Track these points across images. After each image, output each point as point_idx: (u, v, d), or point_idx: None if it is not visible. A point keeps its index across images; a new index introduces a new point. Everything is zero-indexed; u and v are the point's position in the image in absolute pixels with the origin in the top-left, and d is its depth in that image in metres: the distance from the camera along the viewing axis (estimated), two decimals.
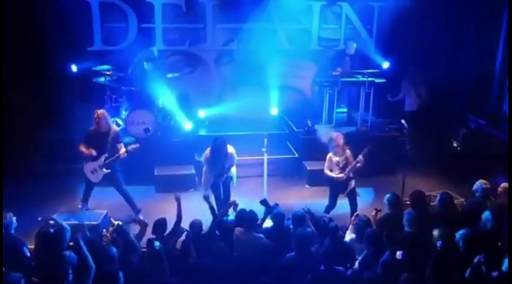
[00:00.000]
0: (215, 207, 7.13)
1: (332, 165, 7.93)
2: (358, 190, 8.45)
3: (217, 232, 6.54)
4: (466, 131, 10.86)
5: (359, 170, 7.85)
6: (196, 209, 7.39)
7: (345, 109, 11.09)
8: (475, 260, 5.35)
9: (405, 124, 8.41)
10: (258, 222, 6.59)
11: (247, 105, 10.43)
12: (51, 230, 5.72)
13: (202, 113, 10.64)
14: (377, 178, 9.42)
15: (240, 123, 10.49)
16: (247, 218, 6.34)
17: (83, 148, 7.82)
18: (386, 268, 5.54)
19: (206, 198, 6.94)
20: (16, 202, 6.79)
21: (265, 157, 8.54)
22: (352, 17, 11.63)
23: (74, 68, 10.27)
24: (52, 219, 6.11)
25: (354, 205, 7.97)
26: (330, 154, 7.98)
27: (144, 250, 5.94)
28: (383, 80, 10.36)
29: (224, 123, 10.47)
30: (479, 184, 6.96)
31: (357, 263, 5.86)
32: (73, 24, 10.07)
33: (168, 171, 9.52)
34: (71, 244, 5.40)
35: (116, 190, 8.09)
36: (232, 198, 7.53)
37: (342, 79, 10.28)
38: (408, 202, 7.08)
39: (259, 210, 6.77)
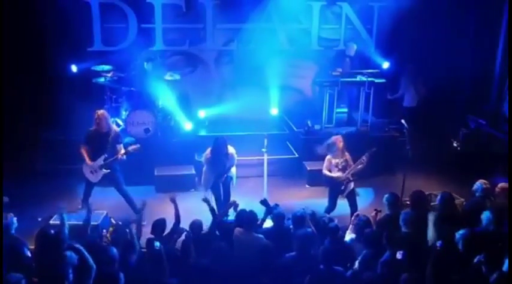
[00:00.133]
0: (215, 207, 7.13)
1: (331, 167, 7.94)
2: (358, 190, 8.47)
3: (217, 232, 6.54)
4: (466, 131, 10.86)
5: (359, 172, 7.86)
6: (196, 209, 7.38)
7: (345, 110, 11.09)
8: (475, 260, 5.35)
9: (405, 124, 8.41)
10: (258, 222, 6.59)
11: (247, 105, 10.43)
12: (51, 230, 5.74)
13: (202, 113, 10.64)
14: (377, 178, 9.42)
15: (240, 123, 10.49)
16: (247, 219, 6.34)
17: (83, 151, 7.82)
18: (386, 268, 5.54)
19: (206, 201, 6.93)
20: (16, 202, 6.78)
21: (265, 157, 8.55)
22: (352, 17, 11.62)
23: (74, 68, 10.29)
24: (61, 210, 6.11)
25: (353, 206, 7.97)
26: (328, 156, 7.99)
27: (144, 250, 5.95)
28: (383, 80, 10.37)
29: (224, 123, 10.47)
30: (479, 184, 6.96)
31: (356, 263, 5.86)
32: (73, 24, 10.06)
33: (168, 171, 9.52)
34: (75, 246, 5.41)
35: (116, 190, 8.09)
36: (232, 198, 7.54)
37: (342, 79, 10.28)
38: (408, 202, 7.09)
39: (260, 210, 6.77)
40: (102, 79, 9.90)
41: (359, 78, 10.29)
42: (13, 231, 5.96)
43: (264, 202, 6.95)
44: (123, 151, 7.88)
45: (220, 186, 7.98)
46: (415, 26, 11.22)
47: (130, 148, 7.94)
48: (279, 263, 5.86)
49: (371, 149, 7.78)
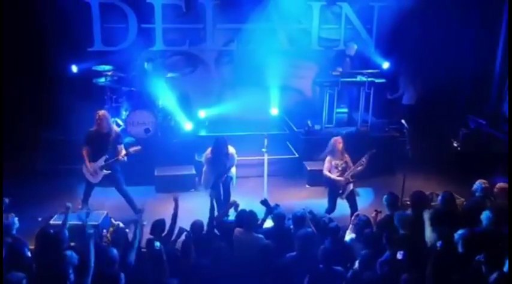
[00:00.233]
0: (215, 206, 7.13)
1: (331, 168, 7.95)
2: (358, 190, 8.47)
3: (217, 232, 6.54)
4: (466, 131, 10.86)
5: (360, 173, 7.86)
6: (196, 209, 7.40)
7: (345, 110, 11.09)
8: (475, 260, 5.36)
9: (405, 125, 8.41)
10: (259, 222, 6.60)
11: (248, 105, 10.43)
12: (51, 230, 5.75)
13: (202, 113, 10.65)
14: (377, 178, 9.41)
15: (240, 124, 10.50)
16: (247, 219, 6.35)
17: (84, 152, 7.82)
18: (385, 268, 5.54)
19: (212, 195, 6.94)
20: (16, 202, 6.78)
21: (266, 157, 8.55)
22: (352, 17, 11.62)
23: (74, 68, 10.29)
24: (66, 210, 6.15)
25: (354, 207, 7.97)
26: (329, 157, 7.99)
27: (144, 250, 5.95)
28: (383, 80, 10.37)
29: (224, 123, 10.47)
30: (479, 184, 6.96)
31: (356, 263, 5.86)
32: (73, 24, 10.06)
33: (168, 171, 9.52)
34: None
35: (116, 190, 8.09)
36: (232, 198, 7.53)
37: (342, 79, 10.28)
38: (408, 203, 7.09)
39: (260, 210, 6.77)
40: (102, 80, 9.90)
41: (359, 78, 10.29)
42: (14, 231, 5.97)
43: (264, 203, 6.95)
44: (124, 152, 7.88)
45: (220, 186, 7.97)
46: (415, 26, 11.23)
47: (131, 149, 7.94)
48: (280, 263, 5.87)
49: (371, 150, 7.79)
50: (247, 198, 7.67)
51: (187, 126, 9.95)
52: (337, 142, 7.93)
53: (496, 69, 11.10)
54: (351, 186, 7.94)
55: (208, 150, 7.87)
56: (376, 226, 6.48)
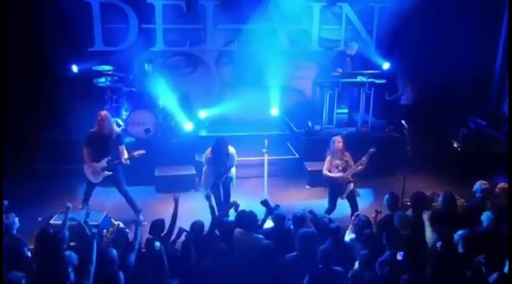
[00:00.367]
0: (215, 207, 7.13)
1: (332, 167, 7.94)
2: (358, 190, 8.46)
3: (217, 233, 6.54)
4: (466, 131, 10.85)
5: (360, 172, 7.86)
6: (196, 209, 7.40)
7: (346, 110, 11.09)
8: (475, 261, 5.35)
9: (405, 125, 8.41)
10: (259, 223, 6.60)
11: (248, 105, 10.44)
12: (51, 230, 5.75)
13: (202, 114, 10.65)
14: (377, 178, 9.40)
15: (240, 124, 10.51)
16: (247, 219, 6.35)
17: (85, 153, 7.81)
18: (385, 268, 5.54)
19: (208, 198, 6.93)
20: (16, 203, 6.78)
21: (266, 157, 8.55)
22: (353, 17, 11.63)
23: (74, 68, 10.29)
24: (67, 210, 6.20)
25: (354, 207, 7.97)
26: (329, 157, 7.99)
27: (144, 250, 5.95)
28: (383, 81, 10.37)
29: (225, 123, 10.48)
30: (479, 184, 6.96)
31: (356, 264, 5.86)
32: (74, 24, 10.08)
33: (168, 172, 9.52)
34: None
35: (116, 190, 8.09)
36: (232, 199, 7.53)
37: (343, 80, 10.28)
38: (409, 203, 7.09)
39: (260, 211, 6.77)
40: (102, 80, 9.91)
41: (359, 78, 10.29)
42: (15, 231, 5.97)
43: (264, 203, 6.95)
44: (126, 155, 7.88)
45: (220, 186, 7.97)
46: (415, 26, 11.23)
47: (136, 153, 7.94)
48: (280, 263, 5.87)
49: (372, 150, 7.78)
50: (247, 199, 7.67)
51: (188, 126, 9.96)
52: (337, 141, 7.93)
53: (496, 69, 11.08)
54: (352, 186, 7.94)
55: (209, 150, 7.87)
56: (376, 227, 6.48)
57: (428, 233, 6.11)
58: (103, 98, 9.95)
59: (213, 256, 5.82)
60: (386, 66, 11.03)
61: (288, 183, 9.81)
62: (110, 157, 7.79)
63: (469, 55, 11.44)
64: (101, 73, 9.95)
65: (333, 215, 7.52)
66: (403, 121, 8.56)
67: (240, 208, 6.74)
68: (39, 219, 7.32)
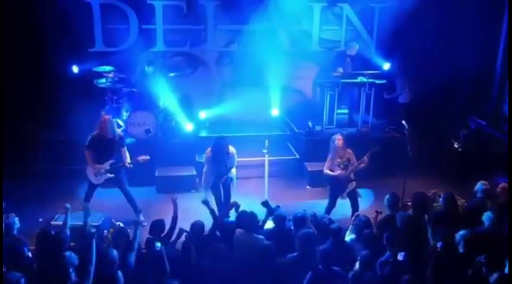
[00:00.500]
0: (215, 208, 7.13)
1: (333, 166, 7.92)
2: (359, 191, 8.45)
3: (218, 233, 6.53)
4: (467, 132, 10.86)
5: (361, 171, 7.86)
6: (196, 210, 7.38)
7: (346, 111, 11.09)
8: (476, 261, 5.35)
9: (406, 125, 8.41)
10: (259, 224, 6.59)
11: (248, 106, 10.45)
12: (52, 231, 5.75)
13: (203, 114, 10.65)
14: (378, 179, 9.39)
15: (241, 124, 10.51)
16: (247, 220, 6.34)
17: (87, 155, 7.80)
18: (386, 268, 5.54)
19: (206, 203, 6.90)
20: (16, 203, 6.78)
21: (266, 158, 8.54)
22: (353, 18, 11.63)
23: (75, 69, 10.30)
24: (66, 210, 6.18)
25: (355, 206, 7.97)
26: (330, 155, 7.98)
27: (144, 251, 5.95)
28: (384, 81, 10.38)
29: (225, 124, 10.48)
30: (479, 184, 6.97)
31: (357, 264, 5.86)
32: (74, 25, 10.07)
33: (168, 172, 9.52)
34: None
35: (118, 190, 8.08)
36: (233, 199, 7.52)
37: (343, 80, 10.29)
38: (409, 203, 7.08)
39: (261, 212, 6.77)
40: (103, 80, 9.91)
41: (360, 79, 10.29)
42: (15, 232, 5.97)
43: (265, 204, 6.95)
44: (129, 159, 7.88)
45: (220, 187, 7.97)
46: (415, 27, 11.22)
47: (140, 158, 7.94)
48: (280, 264, 5.86)
49: (374, 148, 7.77)
50: (248, 199, 7.65)
51: (188, 126, 9.96)
52: (337, 139, 7.92)
53: (496, 69, 11.08)
54: (354, 184, 7.93)
55: (209, 149, 7.87)
56: (376, 227, 6.48)
57: (429, 234, 6.11)
58: (103, 99, 9.97)
59: (214, 256, 5.81)
60: (386, 66, 11.03)
61: (288, 183, 9.81)
62: (113, 160, 7.79)
63: (470, 55, 11.44)
64: (101, 74, 9.96)
65: (333, 216, 7.50)
66: (403, 122, 8.56)
67: (240, 209, 6.73)
68: (40, 220, 7.32)
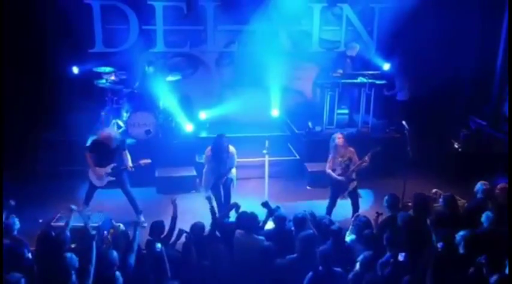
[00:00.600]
0: (216, 208, 7.13)
1: (335, 165, 7.92)
2: (359, 191, 8.45)
3: (218, 234, 6.53)
4: (467, 132, 10.86)
5: (362, 171, 7.85)
6: (197, 210, 7.40)
7: (346, 111, 11.09)
8: (476, 262, 5.35)
9: (406, 126, 8.41)
10: (260, 224, 6.59)
11: (248, 106, 10.45)
12: (53, 232, 5.75)
13: (203, 115, 10.65)
14: (378, 179, 9.40)
15: (241, 125, 10.50)
16: (247, 221, 6.34)
17: (88, 158, 7.82)
18: (386, 269, 5.54)
19: (209, 199, 6.91)
20: (17, 204, 6.77)
21: (267, 159, 8.54)
22: (353, 18, 11.63)
23: (75, 69, 10.30)
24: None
25: (356, 207, 7.97)
26: (331, 155, 7.98)
27: (145, 251, 5.95)
28: (384, 82, 10.37)
29: (225, 124, 10.44)
30: (480, 185, 6.96)
31: (357, 265, 5.85)
32: (74, 26, 10.10)
33: (169, 173, 9.52)
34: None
35: (118, 190, 8.08)
36: (233, 200, 7.52)
37: (343, 81, 10.29)
38: (410, 204, 7.08)
39: (261, 212, 6.77)
40: (103, 81, 9.91)
41: (360, 79, 10.30)
42: (15, 232, 5.97)
43: (265, 204, 6.95)
44: (131, 163, 7.89)
45: (220, 188, 7.97)
46: (416, 27, 11.22)
47: (141, 162, 7.96)
48: (280, 265, 5.86)
49: (375, 148, 7.77)
50: (248, 200, 7.65)
51: (188, 127, 9.96)
52: (337, 138, 7.91)
53: (496, 69, 11.08)
54: (354, 184, 7.93)
55: (208, 148, 7.87)
56: (377, 228, 6.47)
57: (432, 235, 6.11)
58: (103, 99, 9.97)
59: (214, 257, 5.81)
60: (386, 67, 11.03)
61: (288, 184, 9.81)
62: (115, 164, 7.82)
63: (470, 55, 11.45)
64: (102, 75, 9.96)
65: (334, 217, 7.51)
66: (403, 122, 8.56)
67: (240, 210, 6.73)
68: (40, 221, 7.32)
